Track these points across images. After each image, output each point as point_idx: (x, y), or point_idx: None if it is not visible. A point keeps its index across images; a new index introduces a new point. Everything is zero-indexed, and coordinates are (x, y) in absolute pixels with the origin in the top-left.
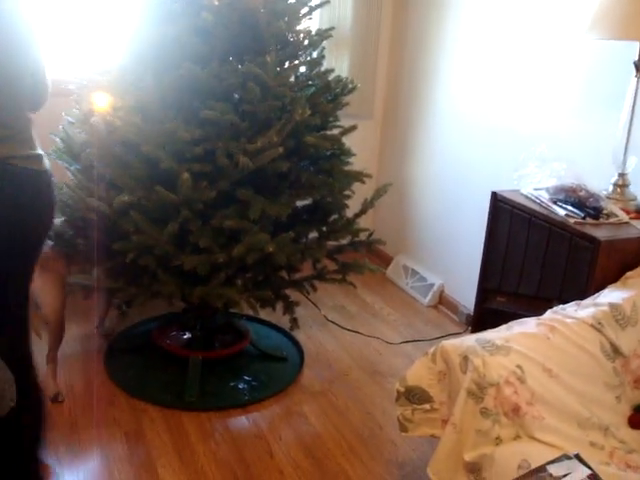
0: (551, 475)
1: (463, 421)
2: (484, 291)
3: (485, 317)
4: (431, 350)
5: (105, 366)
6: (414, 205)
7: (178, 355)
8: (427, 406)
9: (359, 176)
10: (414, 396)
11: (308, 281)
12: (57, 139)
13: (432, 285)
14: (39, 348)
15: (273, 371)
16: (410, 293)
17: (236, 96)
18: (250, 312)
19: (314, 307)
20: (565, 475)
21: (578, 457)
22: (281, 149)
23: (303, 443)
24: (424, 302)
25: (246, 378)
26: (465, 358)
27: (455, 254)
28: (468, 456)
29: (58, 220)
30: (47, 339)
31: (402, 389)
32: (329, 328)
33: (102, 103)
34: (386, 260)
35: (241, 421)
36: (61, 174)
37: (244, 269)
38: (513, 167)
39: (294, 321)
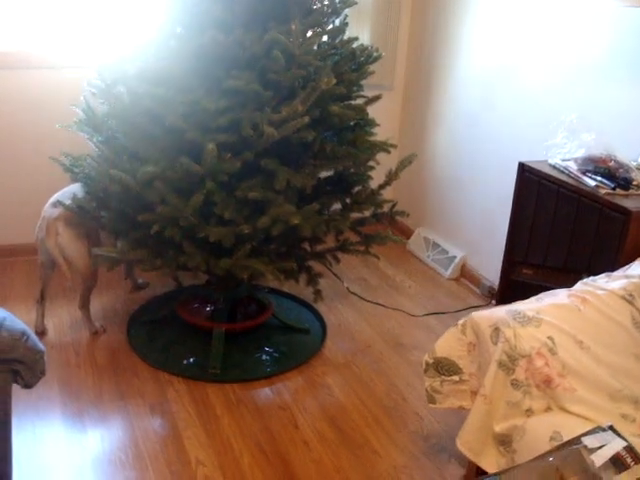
0: (586, 447)
1: (493, 392)
2: (510, 263)
3: (510, 289)
4: (461, 321)
5: (128, 337)
6: (435, 176)
7: (201, 327)
8: (456, 377)
9: (384, 146)
10: (443, 367)
11: (331, 253)
12: (78, 111)
13: (454, 258)
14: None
15: (296, 343)
16: (431, 266)
17: (258, 65)
18: (273, 284)
19: (336, 279)
20: (600, 447)
21: (612, 429)
22: (307, 118)
23: (327, 414)
24: (445, 275)
25: (269, 350)
26: (496, 329)
27: (478, 226)
28: (499, 427)
29: (80, 192)
30: (78, 288)
31: (431, 360)
32: (351, 300)
33: (124, 73)
34: (407, 233)
35: (265, 393)
36: (81, 146)
37: (267, 241)
38: (538, 137)
39: (318, 293)
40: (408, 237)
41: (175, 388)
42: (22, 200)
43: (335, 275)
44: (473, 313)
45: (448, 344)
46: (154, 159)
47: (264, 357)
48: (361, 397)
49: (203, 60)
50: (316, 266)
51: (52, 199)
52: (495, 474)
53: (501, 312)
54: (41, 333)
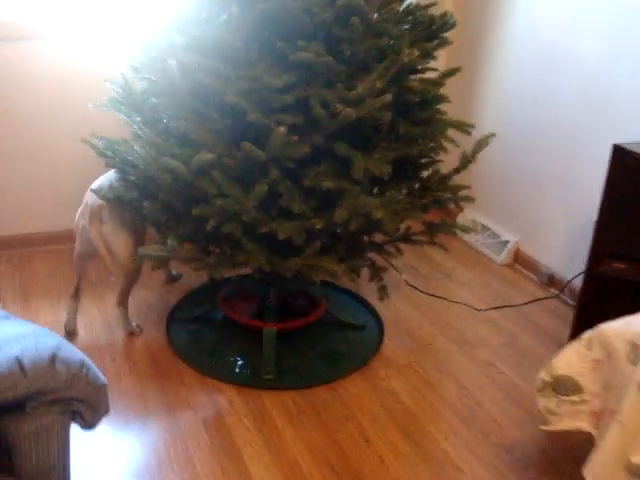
0: None
1: (633, 419)
2: (597, 255)
3: (596, 284)
4: (586, 335)
5: (168, 338)
6: (485, 153)
7: (249, 326)
8: (575, 397)
9: (462, 126)
10: (562, 386)
11: (392, 244)
12: (114, 87)
13: (506, 242)
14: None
15: (352, 341)
16: (481, 250)
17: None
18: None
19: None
20: None
21: None
22: (389, 96)
23: (399, 424)
24: (497, 260)
25: (324, 350)
26: (635, 346)
27: (534, 208)
28: (636, 458)
29: (115, 179)
30: (118, 283)
31: (549, 379)
32: (404, 292)
33: (172, 44)
34: (451, 214)
35: (327, 400)
36: (113, 127)
37: (332, 235)
38: (610, 116)
39: (383, 290)
40: (452, 219)
41: (227, 397)
42: (37, 186)
43: (393, 267)
44: (602, 326)
45: (568, 360)
46: (209, 144)
47: (320, 358)
48: (432, 403)
49: (264, 29)
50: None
51: (95, 185)
52: None
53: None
54: (71, 333)
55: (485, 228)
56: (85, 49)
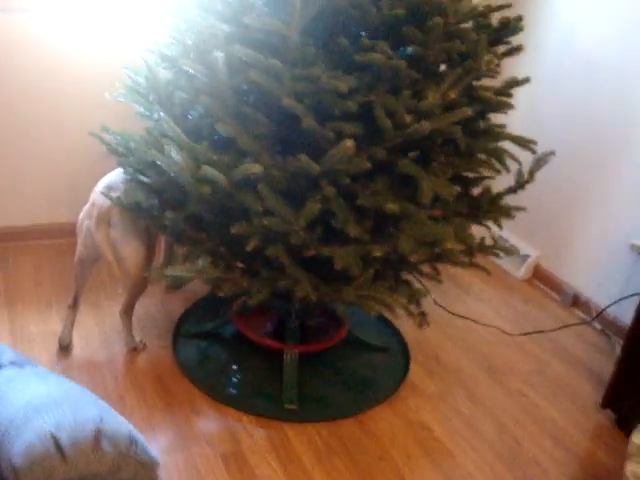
0: None
1: None
2: None
3: None
4: None
5: (174, 355)
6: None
7: (268, 347)
8: None
9: (524, 142)
10: None
11: (429, 264)
12: (136, 77)
13: (526, 257)
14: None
15: (376, 365)
16: (499, 264)
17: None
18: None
19: None
20: None
21: None
22: (469, 110)
23: (438, 467)
24: (517, 275)
25: (348, 375)
26: None
27: (559, 223)
28: None
29: (122, 180)
30: (124, 292)
31: None
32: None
33: (214, 32)
34: None
35: (356, 435)
36: (122, 120)
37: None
38: None
39: (423, 316)
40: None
41: (247, 430)
42: (24, 174)
43: (423, 285)
44: None
45: None
46: (254, 152)
47: (345, 386)
48: (469, 441)
49: (324, 22)
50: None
51: (105, 181)
52: None
53: None
54: (66, 348)
55: (503, 240)
56: (93, 28)
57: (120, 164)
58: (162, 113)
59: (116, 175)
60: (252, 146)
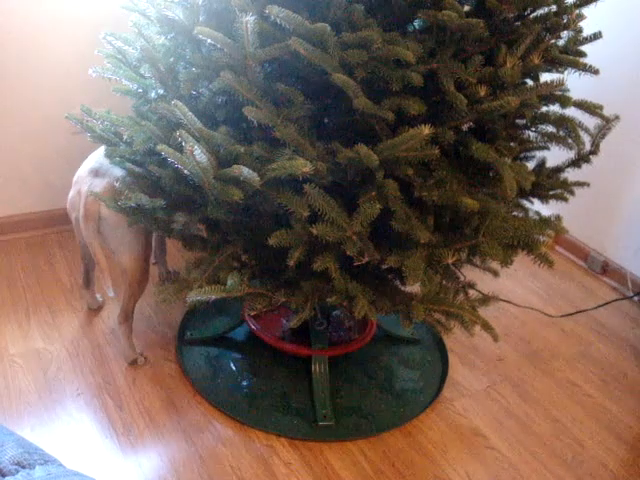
0: None
1: None
2: None
3: None
4: None
5: (181, 367)
6: None
7: (289, 352)
8: None
9: (591, 108)
10: None
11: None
12: (118, 43)
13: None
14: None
15: (410, 361)
16: None
17: None
18: None
19: None
20: None
21: None
22: (563, 79)
23: None
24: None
25: (381, 377)
26: None
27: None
28: None
29: (127, 179)
30: (120, 295)
31: None
32: None
33: None
34: None
35: (404, 451)
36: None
37: None
38: None
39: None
40: None
41: (280, 456)
42: None
43: (458, 269)
44: None
45: None
46: (297, 143)
47: (382, 391)
48: (528, 447)
49: None
50: None
51: (91, 163)
52: None
53: None
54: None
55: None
56: None
57: (108, 156)
58: (161, 90)
59: (103, 154)
60: (292, 135)
